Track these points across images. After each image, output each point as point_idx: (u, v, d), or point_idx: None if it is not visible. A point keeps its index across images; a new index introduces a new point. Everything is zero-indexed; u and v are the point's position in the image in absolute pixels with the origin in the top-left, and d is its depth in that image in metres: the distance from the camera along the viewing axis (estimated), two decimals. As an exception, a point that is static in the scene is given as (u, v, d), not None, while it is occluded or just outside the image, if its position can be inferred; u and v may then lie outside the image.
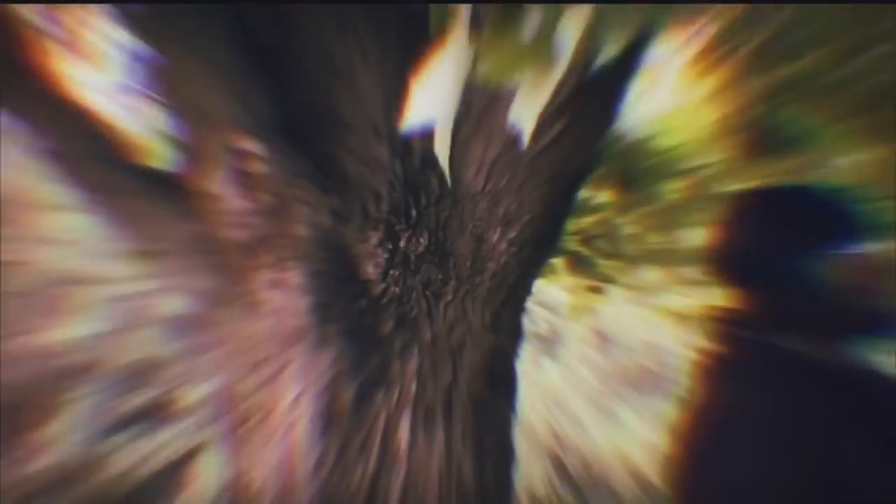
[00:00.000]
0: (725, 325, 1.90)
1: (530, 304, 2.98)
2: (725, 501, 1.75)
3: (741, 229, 2.01)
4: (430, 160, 2.62)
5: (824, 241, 1.86)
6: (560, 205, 2.73)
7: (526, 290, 2.79)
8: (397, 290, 2.59)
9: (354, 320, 2.56)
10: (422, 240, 2.64)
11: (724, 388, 1.82)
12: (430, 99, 1.03)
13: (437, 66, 1.04)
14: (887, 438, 1.77)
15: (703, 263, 4.92)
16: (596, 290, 5.17)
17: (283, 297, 2.55)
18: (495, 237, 2.62)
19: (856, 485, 1.74)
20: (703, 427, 1.82)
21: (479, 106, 2.19)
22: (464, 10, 1.03)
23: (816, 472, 1.73)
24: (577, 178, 2.88)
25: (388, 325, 2.57)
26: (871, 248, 1.84)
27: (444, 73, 1.03)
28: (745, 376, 1.82)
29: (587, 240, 5.06)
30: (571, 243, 5.02)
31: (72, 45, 4.35)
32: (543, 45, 0.96)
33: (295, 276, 2.54)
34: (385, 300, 2.58)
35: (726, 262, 2.02)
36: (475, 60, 1.03)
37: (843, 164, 4.98)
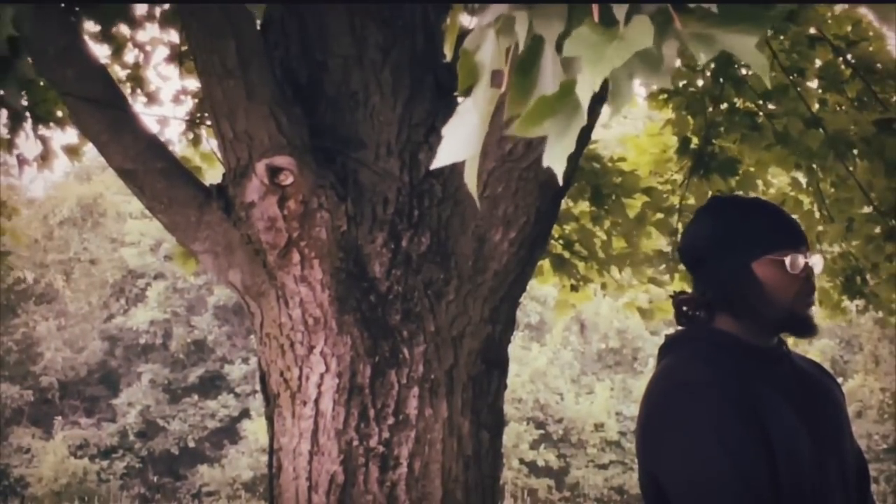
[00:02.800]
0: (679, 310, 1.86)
1: (523, 297, 2.91)
2: (678, 457, 1.68)
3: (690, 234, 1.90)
4: (435, 171, 2.56)
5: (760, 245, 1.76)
6: (549, 210, 2.62)
7: (522, 287, 2.67)
8: (400, 289, 2.49)
9: (366, 313, 2.47)
10: (423, 239, 2.53)
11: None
12: (458, 141, 0.93)
13: (463, 112, 0.94)
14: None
15: (660, 264, 4.87)
16: (575, 288, 5.12)
17: (308, 290, 2.46)
18: (497, 237, 2.52)
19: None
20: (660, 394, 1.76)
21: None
22: (488, 63, 0.92)
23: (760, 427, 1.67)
24: (563, 187, 2.80)
25: (395, 318, 2.47)
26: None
27: (470, 118, 0.92)
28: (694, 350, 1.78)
29: (568, 244, 5.01)
30: (555, 247, 4.98)
31: (136, 81, 4.31)
32: (567, 94, 0.86)
33: (318, 273, 2.45)
34: (391, 297, 2.48)
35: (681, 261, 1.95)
36: (499, 109, 0.93)
37: (763, 184, 4.96)
